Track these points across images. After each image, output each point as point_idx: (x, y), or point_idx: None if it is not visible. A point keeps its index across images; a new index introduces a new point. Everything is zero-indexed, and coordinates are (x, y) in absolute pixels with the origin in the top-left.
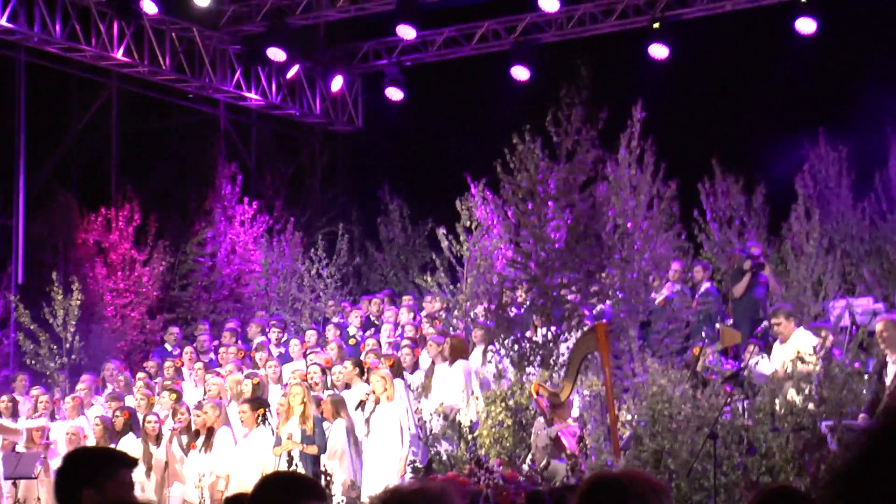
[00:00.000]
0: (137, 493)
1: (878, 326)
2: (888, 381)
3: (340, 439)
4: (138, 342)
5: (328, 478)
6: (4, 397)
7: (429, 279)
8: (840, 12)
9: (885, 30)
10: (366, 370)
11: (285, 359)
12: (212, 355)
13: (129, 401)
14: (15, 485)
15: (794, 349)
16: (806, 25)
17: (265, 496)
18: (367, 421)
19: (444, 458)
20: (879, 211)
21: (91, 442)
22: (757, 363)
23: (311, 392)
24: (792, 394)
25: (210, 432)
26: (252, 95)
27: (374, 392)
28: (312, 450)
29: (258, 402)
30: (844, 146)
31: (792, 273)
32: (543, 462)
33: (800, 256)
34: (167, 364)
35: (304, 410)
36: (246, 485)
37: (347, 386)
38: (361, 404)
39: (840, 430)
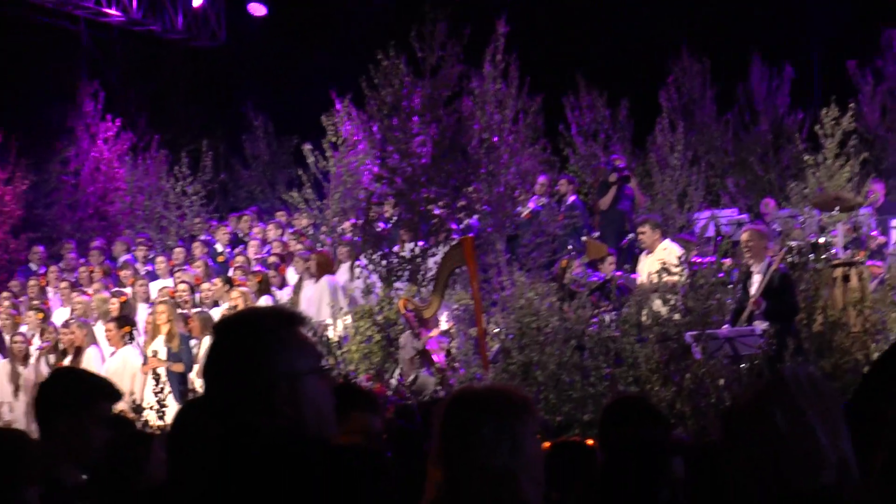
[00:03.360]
0: (5, 413)
1: (744, 236)
2: (752, 290)
3: None
4: (2, 262)
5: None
6: None
7: (295, 195)
8: None
9: None
10: (234, 287)
11: (152, 277)
12: (78, 274)
13: None
14: None
15: (659, 260)
16: None
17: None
18: None
19: None
20: (743, 123)
21: None
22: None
23: (179, 310)
24: (658, 304)
25: (78, 351)
26: (112, 12)
27: (237, 308)
28: (179, 367)
29: (125, 320)
30: (707, 59)
31: (657, 185)
32: (412, 376)
33: (665, 169)
34: (32, 283)
35: (171, 328)
36: None
37: (216, 303)
38: None
39: (704, 340)
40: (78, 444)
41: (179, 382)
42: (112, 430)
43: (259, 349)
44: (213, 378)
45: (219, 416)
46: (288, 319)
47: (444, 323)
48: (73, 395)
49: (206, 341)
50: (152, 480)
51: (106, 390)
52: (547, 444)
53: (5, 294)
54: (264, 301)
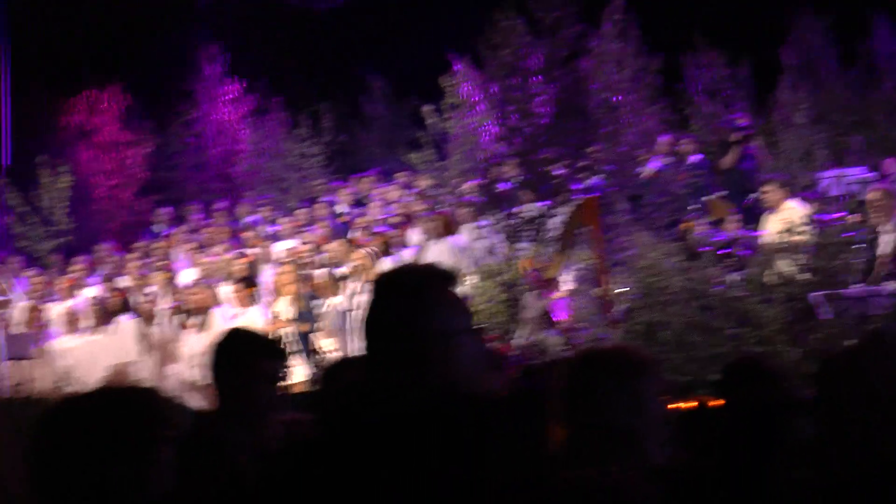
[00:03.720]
0: (134, 372)
1: (871, 196)
2: (879, 250)
3: (338, 316)
4: (129, 223)
5: (321, 355)
6: None
7: (416, 156)
8: None
9: None
10: (355, 248)
11: (276, 238)
12: (203, 235)
13: (123, 281)
14: (11, 366)
15: (784, 220)
16: None
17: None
18: (354, 298)
19: None
20: (867, 80)
21: (86, 323)
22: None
23: (302, 270)
24: (783, 264)
25: (203, 312)
26: None
27: (358, 270)
28: (304, 327)
29: (249, 281)
30: (828, 16)
31: (781, 144)
32: (536, 336)
33: (788, 128)
34: (158, 244)
35: (295, 289)
36: None
37: (339, 264)
38: (343, 278)
39: (831, 300)
40: (245, 402)
41: (304, 342)
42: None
43: (416, 308)
44: (371, 336)
45: (376, 374)
46: (442, 278)
47: (567, 283)
48: (240, 354)
49: (333, 301)
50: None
51: (272, 349)
52: (675, 405)
53: (132, 255)
54: (387, 262)
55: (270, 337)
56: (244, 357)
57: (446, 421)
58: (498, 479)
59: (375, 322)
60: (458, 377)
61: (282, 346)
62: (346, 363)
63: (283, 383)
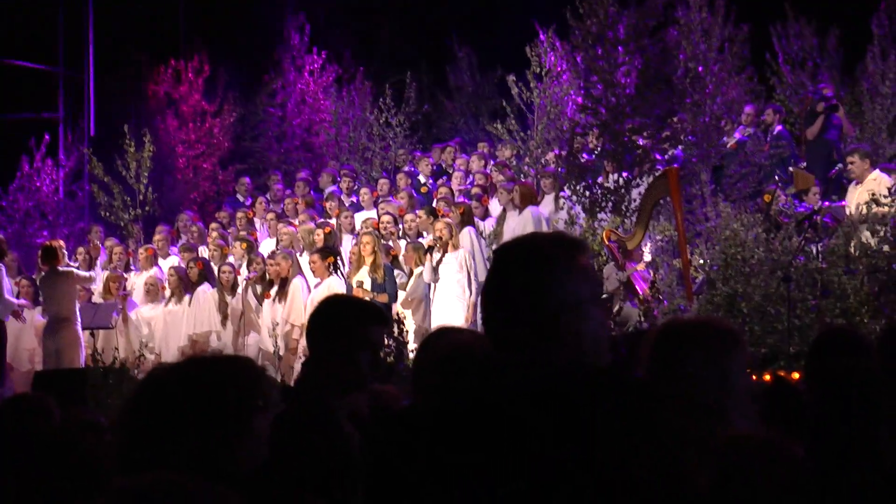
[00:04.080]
0: (213, 341)
1: None
2: None
3: (420, 287)
4: (211, 193)
5: (401, 326)
6: (81, 249)
7: (499, 126)
8: None
9: None
10: (437, 218)
11: (356, 208)
12: (284, 205)
13: (203, 251)
14: (93, 335)
15: (869, 191)
16: None
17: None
18: (436, 269)
19: None
20: None
21: (166, 293)
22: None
23: (383, 241)
24: (867, 235)
25: (284, 282)
26: None
27: (441, 239)
28: (383, 298)
29: (329, 251)
30: None
31: (867, 114)
32: (616, 307)
33: (875, 97)
34: (239, 214)
35: (375, 259)
36: None
37: (420, 234)
38: (429, 250)
39: None
40: (346, 368)
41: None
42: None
43: (544, 278)
44: (494, 307)
45: (501, 346)
46: (570, 246)
47: (647, 254)
48: (341, 320)
49: (420, 271)
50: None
51: (375, 315)
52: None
53: (214, 225)
54: (467, 232)
55: (373, 303)
56: (346, 323)
57: (581, 399)
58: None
59: (499, 293)
60: (586, 349)
61: (384, 313)
62: (442, 333)
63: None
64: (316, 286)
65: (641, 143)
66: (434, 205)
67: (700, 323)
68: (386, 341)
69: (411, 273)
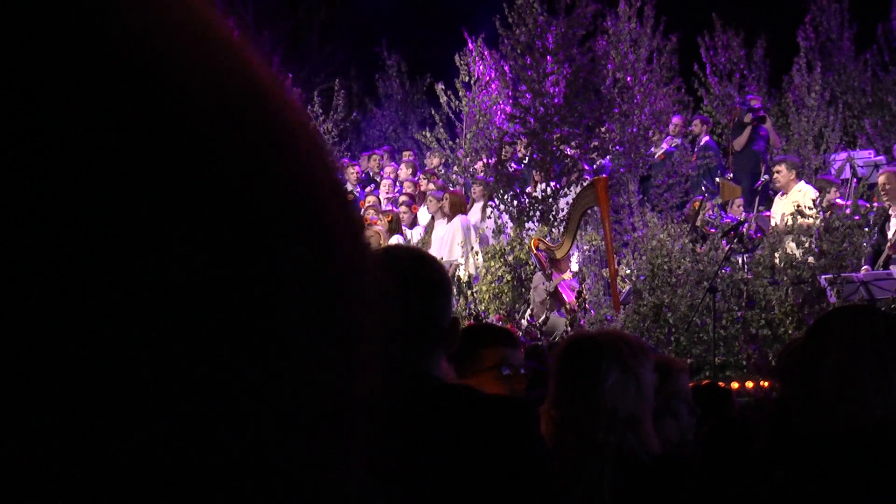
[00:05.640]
0: None
1: (881, 179)
2: (889, 233)
3: None
4: None
5: None
6: None
7: (428, 135)
8: None
9: None
10: (365, 226)
11: None
12: None
13: None
14: None
15: (794, 202)
16: None
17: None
18: None
19: None
20: (881, 62)
21: None
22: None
23: None
24: (792, 247)
25: None
26: None
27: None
28: None
29: None
30: None
31: (793, 126)
32: (542, 317)
33: (801, 109)
34: None
35: None
36: None
37: None
38: None
39: (839, 283)
40: None
41: None
42: None
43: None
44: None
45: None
46: None
47: (575, 264)
48: None
49: None
50: None
51: None
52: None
53: None
54: (395, 240)
55: None
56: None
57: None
58: None
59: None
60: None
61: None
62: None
63: None
64: None
65: (569, 153)
66: (362, 213)
67: (613, 337)
68: None
69: None
